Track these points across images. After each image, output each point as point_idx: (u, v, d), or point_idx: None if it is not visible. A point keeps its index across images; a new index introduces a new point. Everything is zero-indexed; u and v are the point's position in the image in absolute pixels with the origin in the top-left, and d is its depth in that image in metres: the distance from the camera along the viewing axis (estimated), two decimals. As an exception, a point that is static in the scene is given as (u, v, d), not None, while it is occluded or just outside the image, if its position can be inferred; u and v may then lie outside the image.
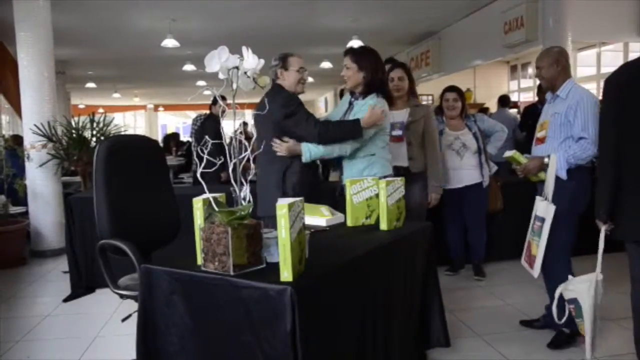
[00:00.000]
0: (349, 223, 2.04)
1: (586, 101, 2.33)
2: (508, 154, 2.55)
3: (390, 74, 3.00)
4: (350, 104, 2.57)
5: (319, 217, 2.08)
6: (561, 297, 2.35)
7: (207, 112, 5.60)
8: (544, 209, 2.33)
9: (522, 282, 2.52)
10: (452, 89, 3.60)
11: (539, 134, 2.53)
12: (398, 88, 3.03)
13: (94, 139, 4.95)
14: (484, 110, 7.01)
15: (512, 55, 7.21)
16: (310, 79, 2.59)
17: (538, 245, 2.33)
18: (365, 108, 2.42)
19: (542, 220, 2.32)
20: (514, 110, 7.69)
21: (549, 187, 2.32)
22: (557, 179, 2.33)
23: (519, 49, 6.09)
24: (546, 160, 2.39)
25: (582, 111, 2.32)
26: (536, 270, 2.35)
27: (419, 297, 2.06)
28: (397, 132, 2.98)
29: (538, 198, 2.42)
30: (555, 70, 2.43)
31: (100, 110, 12.67)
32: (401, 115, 3.03)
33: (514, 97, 9.43)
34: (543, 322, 2.63)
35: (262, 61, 1.44)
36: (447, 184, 3.48)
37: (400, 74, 3.07)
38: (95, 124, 4.94)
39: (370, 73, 2.47)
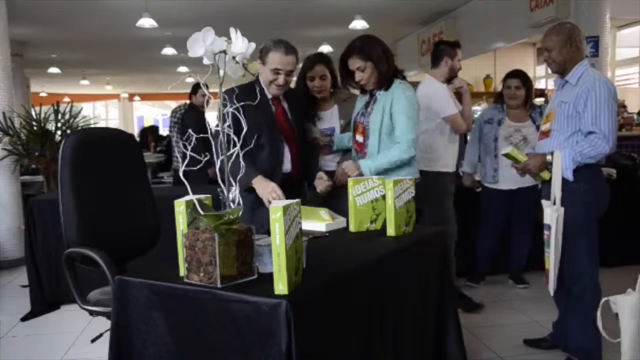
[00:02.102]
0: (352, 228, 2.06)
1: (599, 89, 2.25)
2: (505, 150, 2.51)
3: (309, 72, 2.76)
4: (372, 95, 2.53)
5: (317, 221, 2.10)
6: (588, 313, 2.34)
7: (188, 102, 5.62)
8: (549, 214, 2.28)
9: (548, 296, 2.54)
10: (515, 74, 3.58)
11: (543, 127, 2.48)
12: (320, 89, 2.77)
13: (59, 132, 4.97)
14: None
15: (539, 36, 7.19)
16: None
17: (549, 257, 2.30)
18: (397, 99, 2.40)
19: (549, 228, 2.27)
20: (540, 100, 7.71)
21: (556, 188, 2.27)
22: (564, 180, 2.27)
23: (547, 29, 6.09)
24: (549, 157, 2.33)
25: (594, 101, 2.25)
26: (551, 286, 2.32)
27: (433, 313, 2.07)
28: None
29: (544, 202, 2.36)
30: (567, 52, 2.35)
31: (66, 99, 12.67)
32: (328, 118, 2.81)
33: (541, 84, 9.45)
34: (551, 342, 2.64)
35: (253, 45, 1.45)
36: (495, 183, 3.47)
37: (323, 72, 2.76)
38: (60, 115, 4.96)
39: (385, 63, 2.45)
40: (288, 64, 2.34)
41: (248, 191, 2.26)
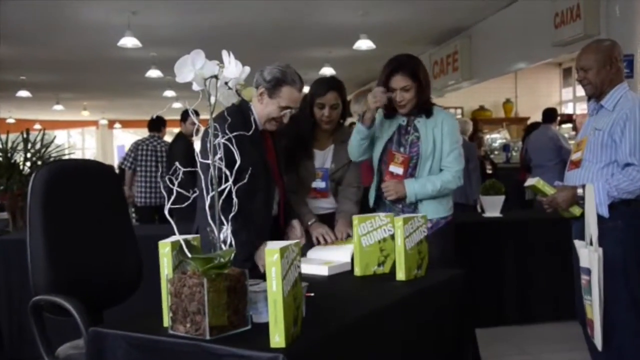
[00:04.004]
0: (357, 272, 2.06)
1: (639, 115, 2.28)
2: (530, 182, 2.52)
3: (319, 99, 2.64)
4: (409, 123, 2.59)
5: (322, 265, 2.12)
6: None
7: (152, 134, 5.87)
8: (587, 256, 2.26)
9: (583, 350, 2.50)
10: None
11: (573, 156, 2.50)
12: (329, 119, 2.66)
13: (29, 163, 5.01)
14: (532, 126, 7.05)
15: (565, 56, 7.32)
16: (305, 89, 2.57)
17: (592, 305, 2.28)
18: (447, 125, 2.54)
19: (589, 272, 2.25)
20: (567, 126, 7.78)
21: (591, 227, 2.26)
22: (599, 217, 2.27)
23: (574, 48, 6.12)
24: (580, 191, 2.33)
25: (633, 128, 2.27)
26: (598, 340, 2.28)
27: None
28: (320, 184, 2.70)
29: (577, 243, 2.36)
30: (607, 73, 2.37)
31: (37, 126, 12.79)
32: (321, 157, 2.74)
33: (568, 109, 9.55)
34: None
35: (248, 69, 1.49)
36: None
37: (335, 101, 2.65)
38: (30, 145, 5.01)
39: (429, 87, 2.57)
40: (299, 101, 2.33)
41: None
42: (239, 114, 2.16)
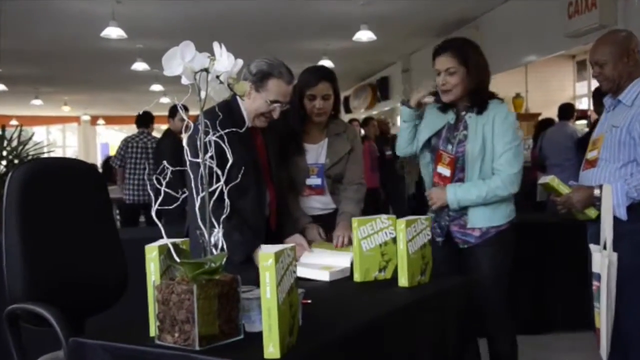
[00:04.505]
0: (357, 278, 2.07)
1: None
2: (544, 179, 2.52)
3: (309, 90, 2.62)
4: (459, 118, 2.53)
5: (322, 270, 2.12)
6: None
7: (141, 130, 5.92)
8: (599, 261, 2.27)
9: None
10: None
11: (589, 155, 2.49)
12: (321, 112, 2.64)
13: (4, 162, 4.99)
14: (545, 122, 7.06)
15: (579, 48, 7.32)
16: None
17: (600, 314, 2.29)
18: (500, 122, 2.46)
19: (599, 277, 2.26)
20: (581, 123, 7.79)
21: (607, 230, 2.27)
22: (616, 219, 2.27)
23: (589, 39, 6.13)
24: (596, 192, 2.33)
25: None
26: (603, 350, 2.29)
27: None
28: (315, 181, 2.68)
29: (592, 247, 2.36)
30: (624, 66, 2.35)
31: (14, 122, 12.77)
32: (315, 152, 2.74)
33: (582, 105, 9.55)
34: None
35: (240, 62, 1.49)
36: None
37: (327, 91, 2.64)
38: (5, 142, 4.99)
39: (482, 76, 2.49)
40: (288, 94, 2.33)
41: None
42: (228, 109, 2.17)
